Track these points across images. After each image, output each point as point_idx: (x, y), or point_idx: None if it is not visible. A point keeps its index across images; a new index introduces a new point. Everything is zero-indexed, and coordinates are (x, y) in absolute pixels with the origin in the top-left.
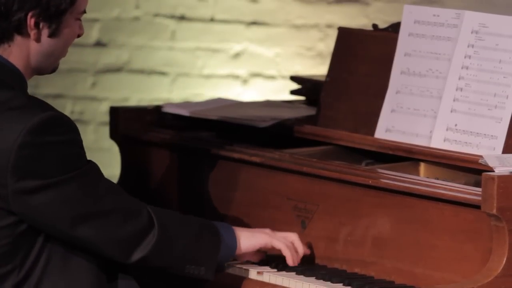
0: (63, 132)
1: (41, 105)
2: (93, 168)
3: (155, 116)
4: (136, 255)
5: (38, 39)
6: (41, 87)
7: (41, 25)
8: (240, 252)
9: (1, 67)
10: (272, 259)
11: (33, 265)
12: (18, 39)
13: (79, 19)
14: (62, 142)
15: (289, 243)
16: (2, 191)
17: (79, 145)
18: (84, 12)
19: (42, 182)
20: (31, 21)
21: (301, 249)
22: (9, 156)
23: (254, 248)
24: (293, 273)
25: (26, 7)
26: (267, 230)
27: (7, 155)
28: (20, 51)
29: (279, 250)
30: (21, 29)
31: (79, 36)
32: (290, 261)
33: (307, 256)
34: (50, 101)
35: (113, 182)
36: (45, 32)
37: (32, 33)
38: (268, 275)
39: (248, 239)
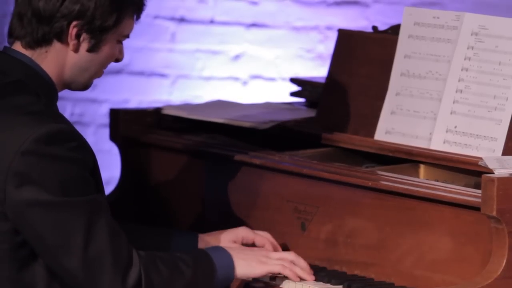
0: (71, 148)
1: (57, 116)
2: (97, 202)
3: (155, 118)
4: None
5: (76, 50)
6: None
7: (82, 37)
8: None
9: (32, 72)
10: None
11: (34, 279)
12: (56, 45)
13: (121, 42)
14: (68, 158)
15: (286, 263)
16: (0, 194)
17: (88, 169)
18: (128, 36)
19: (39, 196)
20: (72, 31)
21: (304, 263)
22: (11, 161)
23: (248, 277)
24: None
25: (70, 16)
26: (263, 256)
27: (9, 160)
28: (56, 59)
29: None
30: (62, 37)
31: (117, 60)
32: (293, 278)
33: (306, 258)
34: None
35: (115, 223)
36: (84, 45)
37: (72, 43)
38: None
39: (244, 269)
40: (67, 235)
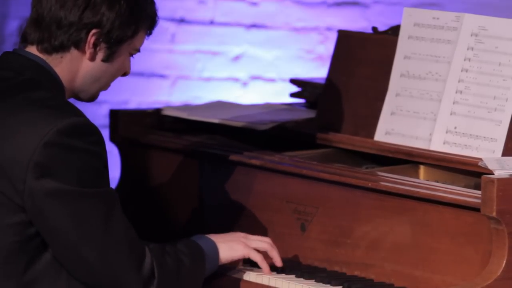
0: (92, 142)
1: (76, 110)
2: (113, 195)
3: (154, 119)
4: None
5: (92, 59)
6: None
7: (99, 47)
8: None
9: (45, 72)
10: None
11: (40, 273)
12: (74, 53)
13: (131, 56)
14: (89, 151)
15: (267, 246)
16: (19, 186)
17: (104, 163)
18: (139, 50)
19: (59, 186)
20: (91, 40)
21: (276, 252)
22: (33, 152)
23: (231, 260)
24: (293, 276)
25: (89, 25)
26: (242, 237)
27: (31, 151)
28: (70, 66)
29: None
30: (79, 45)
31: (125, 74)
32: (266, 271)
33: (306, 259)
34: None
35: (126, 218)
36: (100, 55)
37: (89, 51)
38: (268, 277)
39: (227, 252)
40: (86, 225)
